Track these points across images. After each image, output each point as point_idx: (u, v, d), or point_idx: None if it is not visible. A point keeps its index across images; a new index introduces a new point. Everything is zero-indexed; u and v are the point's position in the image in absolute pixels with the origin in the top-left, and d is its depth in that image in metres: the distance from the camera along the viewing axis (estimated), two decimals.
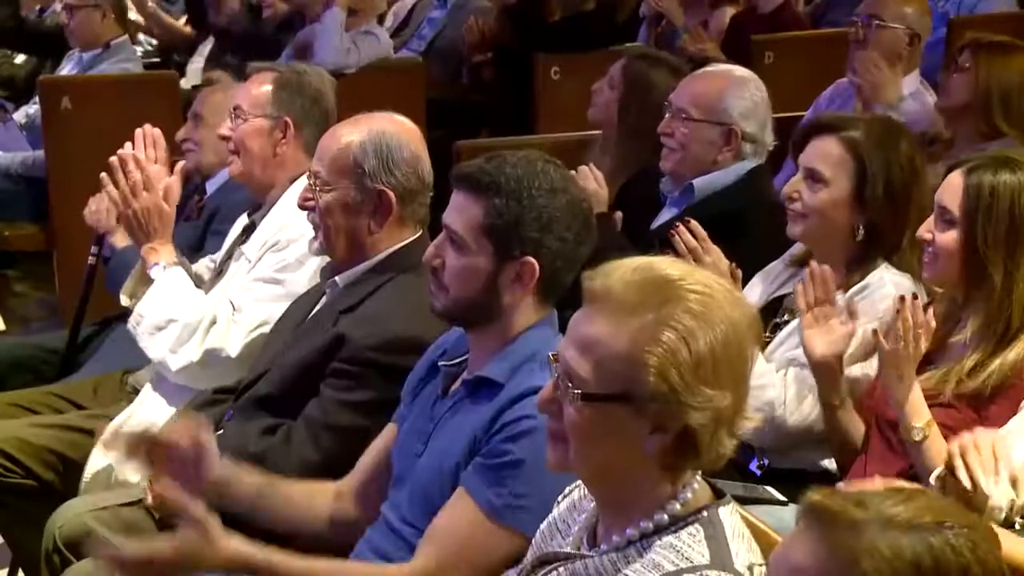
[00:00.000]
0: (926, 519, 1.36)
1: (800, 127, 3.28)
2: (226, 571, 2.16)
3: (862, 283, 2.91)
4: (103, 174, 3.26)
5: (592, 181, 3.51)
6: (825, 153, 2.97)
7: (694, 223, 3.08)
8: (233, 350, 3.05)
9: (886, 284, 2.85)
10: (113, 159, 3.25)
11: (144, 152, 3.24)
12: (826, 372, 2.70)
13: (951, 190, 2.61)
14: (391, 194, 2.75)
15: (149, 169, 3.21)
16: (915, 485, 1.80)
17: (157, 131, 3.30)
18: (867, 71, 4.23)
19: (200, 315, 3.07)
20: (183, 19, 6.79)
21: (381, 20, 6.06)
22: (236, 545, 2.13)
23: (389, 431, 2.49)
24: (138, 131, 3.28)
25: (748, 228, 3.40)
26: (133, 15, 6.32)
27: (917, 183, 2.92)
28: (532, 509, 2.09)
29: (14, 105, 5.77)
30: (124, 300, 3.19)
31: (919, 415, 2.49)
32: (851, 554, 1.35)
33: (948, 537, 1.34)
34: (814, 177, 2.97)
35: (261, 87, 3.39)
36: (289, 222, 3.14)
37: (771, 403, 2.83)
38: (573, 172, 3.11)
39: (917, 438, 2.46)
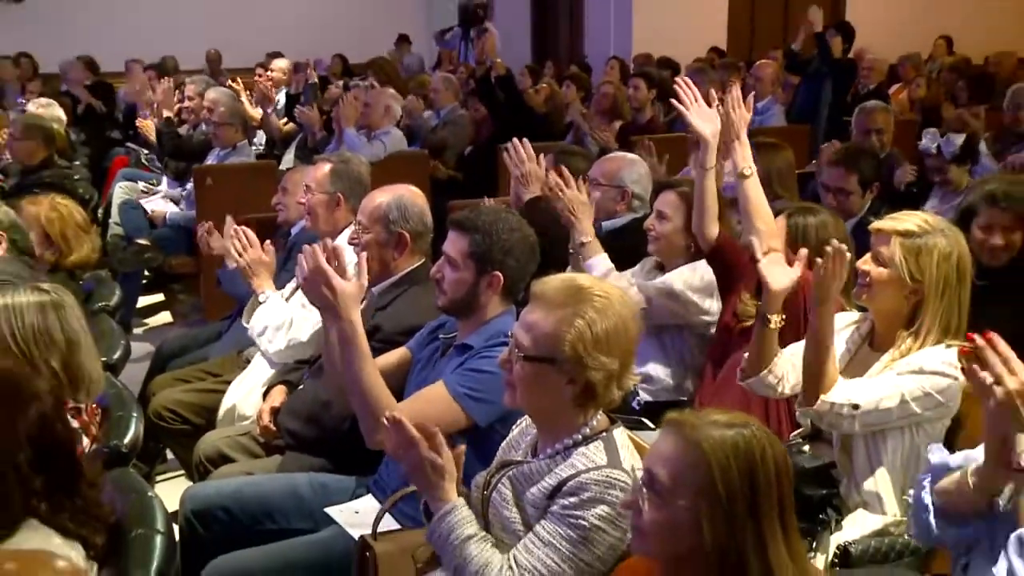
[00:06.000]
0: (737, 421, 1.40)
1: (655, 185, 3.33)
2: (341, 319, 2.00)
3: None
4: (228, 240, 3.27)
5: (527, 163, 3.36)
6: (667, 201, 2.97)
7: (564, 171, 3.09)
8: (304, 336, 2.98)
9: (697, 269, 2.90)
10: (235, 229, 3.24)
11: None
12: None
13: (779, 228, 2.62)
14: (407, 235, 2.70)
15: (251, 236, 3.19)
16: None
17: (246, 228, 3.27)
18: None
19: (283, 319, 3.02)
20: (283, 120, 6.74)
21: (399, 122, 5.98)
22: (357, 315, 2.01)
23: (403, 351, 2.43)
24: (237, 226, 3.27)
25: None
26: (252, 111, 6.30)
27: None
28: (479, 401, 2.09)
29: (179, 183, 5.69)
30: (245, 322, 3.14)
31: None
32: (695, 440, 1.36)
33: (753, 430, 1.39)
34: (661, 215, 2.98)
35: (322, 171, 3.37)
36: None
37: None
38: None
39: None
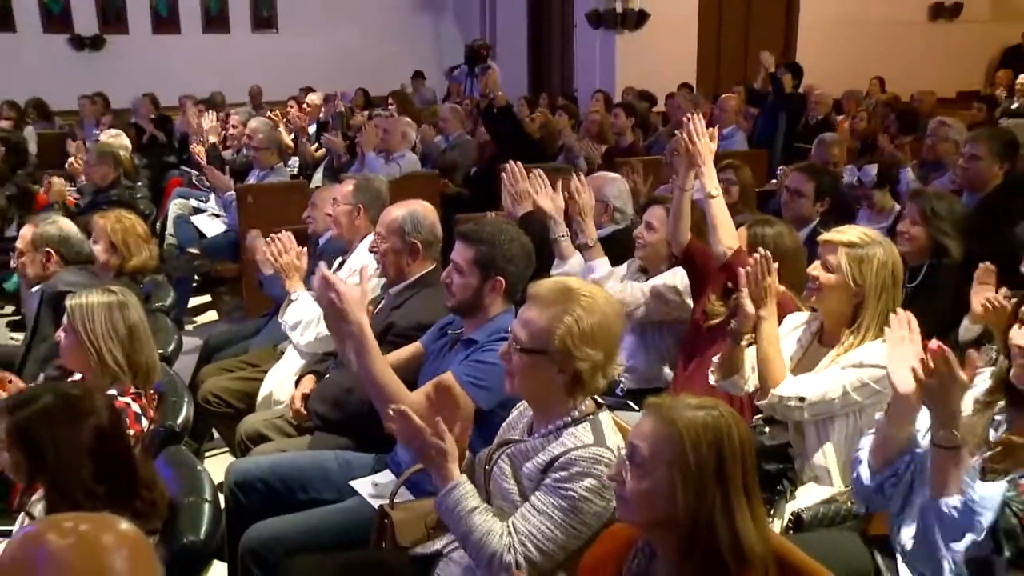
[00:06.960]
0: (708, 404, 1.38)
1: (645, 200, 3.27)
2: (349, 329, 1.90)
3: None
4: (266, 245, 3.22)
5: (521, 183, 3.20)
6: (655, 214, 2.94)
7: (583, 178, 3.05)
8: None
9: (677, 274, 2.86)
10: (271, 237, 3.18)
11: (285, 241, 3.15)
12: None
13: (740, 237, 2.59)
14: (419, 244, 2.67)
15: (287, 243, 3.14)
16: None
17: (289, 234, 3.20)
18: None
19: (312, 316, 2.99)
20: (315, 146, 6.70)
21: (413, 147, 5.95)
22: (363, 317, 1.92)
23: (416, 346, 2.39)
24: (283, 234, 3.19)
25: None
26: (287, 139, 6.24)
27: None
28: (480, 388, 2.04)
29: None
30: (281, 319, 3.10)
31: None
32: (671, 420, 1.35)
33: (721, 411, 1.37)
34: (649, 226, 2.94)
35: (348, 186, 3.36)
36: (363, 261, 3.05)
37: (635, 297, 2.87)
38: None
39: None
